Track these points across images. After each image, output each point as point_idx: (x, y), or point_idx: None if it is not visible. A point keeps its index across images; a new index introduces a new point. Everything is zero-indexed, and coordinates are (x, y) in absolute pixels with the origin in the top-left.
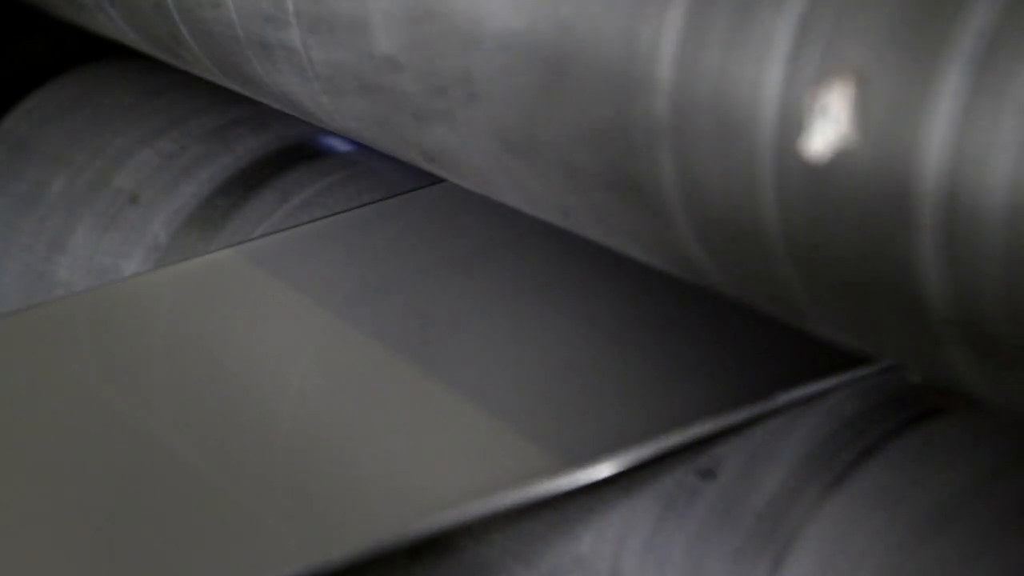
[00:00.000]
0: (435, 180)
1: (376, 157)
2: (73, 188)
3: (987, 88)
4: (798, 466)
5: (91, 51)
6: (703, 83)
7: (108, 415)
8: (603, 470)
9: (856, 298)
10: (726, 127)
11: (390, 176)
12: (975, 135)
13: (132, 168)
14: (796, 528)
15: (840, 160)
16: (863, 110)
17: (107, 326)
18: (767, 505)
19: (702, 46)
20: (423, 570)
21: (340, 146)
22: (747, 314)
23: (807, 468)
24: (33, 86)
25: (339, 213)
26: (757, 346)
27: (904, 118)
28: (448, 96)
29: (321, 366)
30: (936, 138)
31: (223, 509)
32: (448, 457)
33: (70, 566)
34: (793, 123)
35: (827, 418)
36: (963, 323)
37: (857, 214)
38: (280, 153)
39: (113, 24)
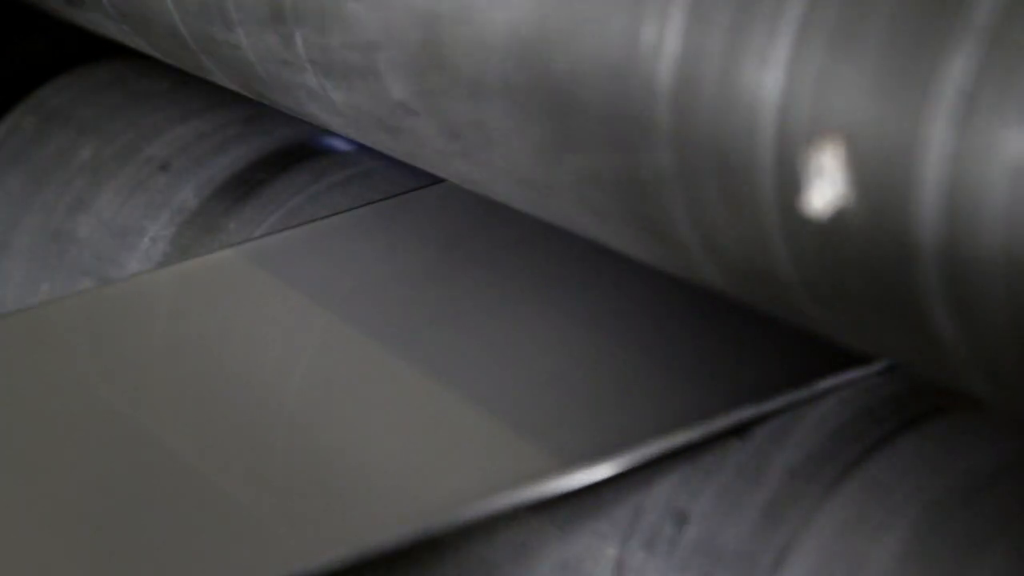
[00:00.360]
0: (435, 180)
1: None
2: (102, 155)
3: (972, 136)
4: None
5: (91, 51)
6: (701, 134)
7: (108, 415)
8: (603, 470)
9: (866, 322)
10: (728, 179)
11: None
12: (966, 180)
13: (165, 141)
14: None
15: (840, 217)
16: (856, 168)
17: (107, 326)
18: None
19: (697, 96)
20: (422, 571)
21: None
22: (747, 314)
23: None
24: (33, 86)
25: (339, 213)
26: (757, 346)
27: (896, 172)
28: (463, 139)
29: (321, 366)
30: (929, 188)
31: (223, 509)
32: (448, 457)
33: (70, 566)
34: (791, 183)
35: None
36: (974, 356)
37: (863, 264)
38: (316, 133)
39: (137, 43)
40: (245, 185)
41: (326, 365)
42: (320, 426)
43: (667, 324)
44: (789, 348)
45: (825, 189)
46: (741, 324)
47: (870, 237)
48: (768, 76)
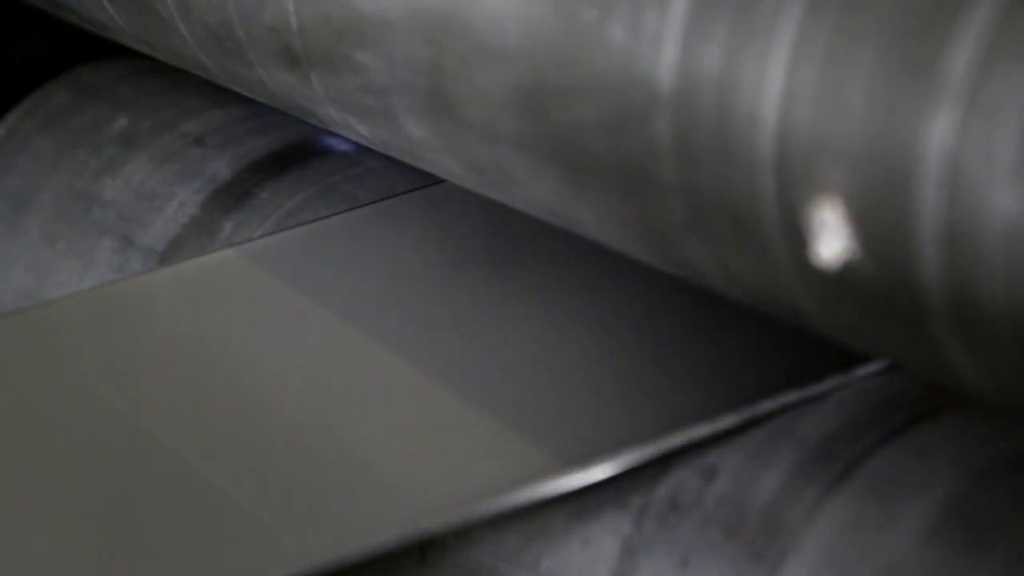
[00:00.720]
0: (435, 180)
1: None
2: (137, 127)
3: (961, 206)
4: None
5: (91, 51)
6: (706, 187)
7: (108, 415)
8: (603, 470)
9: (874, 336)
10: (738, 229)
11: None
12: (962, 233)
13: (202, 120)
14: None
15: (850, 268)
16: (857, 223)
17: (107, 326)
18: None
19: (699, 151)
20: (422, 571)
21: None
22: (747, 314)
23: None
24: (33, 86)
25: (339, 213)
26: (757, 346)
27: (895, 228)
28: (486, 175)
29: (321, 366)
30: (929, 243)
31: (223, 509)
32: (447, 458)
33: (70, 566)
34: (798, 236)
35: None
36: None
37: (876, 305)
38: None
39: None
40: (282, 161)
41: (326, 365)
42: (320, 426)
43: (667, 324)
44: (789, 348)
45: (832, 243)
46: (741, 324)
47: (878, 286)
48: (759, 137)
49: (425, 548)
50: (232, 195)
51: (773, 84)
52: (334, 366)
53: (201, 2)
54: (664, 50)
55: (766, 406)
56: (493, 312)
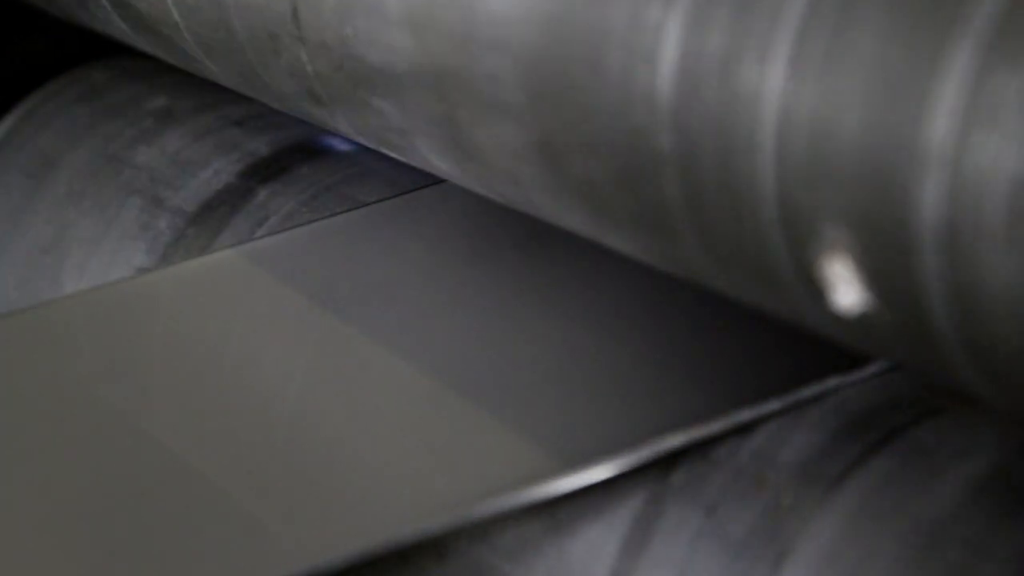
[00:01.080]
0: (435, 180)
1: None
2: (177, 106)
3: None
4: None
5: (92, 51)
6: (723, 241)
7: (108, 415)
8: (602, 471)
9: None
10: (757, 273)
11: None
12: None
13: (243, 106)
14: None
15: (868, 315)
16: (866, 277)
17: (107, 326)
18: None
19: (705, 201)
20: (422, 571)
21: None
22: (747, 314)
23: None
24: (33, 86)
25: (339, 213)
26: (757, 346)
27: (903, 282)
28: (512, 200)
29: (321, 366)
30: (937, 297)
31: (223, 509)
32: (447, 458)
33: (70, 566)
34: (814, 285)
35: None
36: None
37: (894, 346)
38: None
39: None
40: (322, 144)
41: (326, 365)
42: (320, 426)
43: (667, 324)
44: (789, 348)
45: (847, 296)
46: (741, 324)
47: (898, 331)
48: (765, 198)
49: (425, 548)
50: (270, 168)
51: (767, 147)
52: (334, 366)
53: (221, 45)
54: (659, 109)
55: (766, 406)
56: (493, 312)
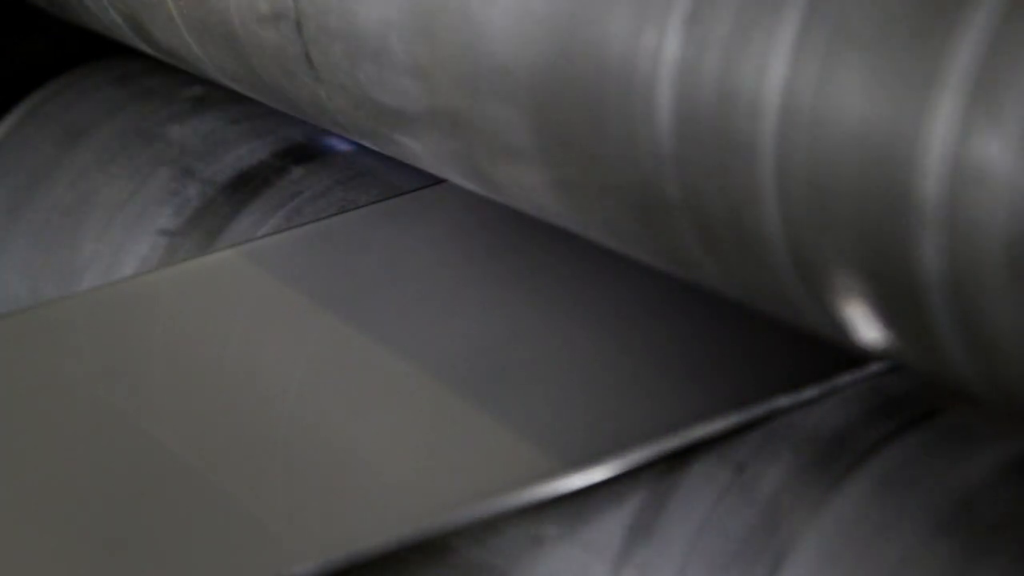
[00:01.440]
0: (435, 180)
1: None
2: (213, 94)
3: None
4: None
5: (92, 51)
6: (744, 280)
7: (108, 415)
8: (603, 471)
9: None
10: (782, 308)
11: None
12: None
13: None
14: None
15: (891, 346)
16: (880, 320)
17: (107, 326)
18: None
19: (728, 259)
20: (422, 571)
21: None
22: (747, 314)
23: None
24: (33, 86)
25: (339, 213)
26: (757, 346)
27: (918, 326)
28: (543, 218)
29: (321, 366)
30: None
31: (223, 509)
32: (447, 458)
33: (71, 566)
34: (835, 323)
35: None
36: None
37: (914, 365)
38: None
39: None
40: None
41: (326, 365)
42: (320, 426)
43: (668, 324)
44: (789, 348)
45: (868, 334)
46: (741, 324)
47: (919, 362)
48: (775, 245)
49: (425, 548)
50: (306, 150)
51: (768, 197)
52: (334, 366)
53: (242, 77)
54: (663, 159)
55: (766, 407)
56: (493, 312)
